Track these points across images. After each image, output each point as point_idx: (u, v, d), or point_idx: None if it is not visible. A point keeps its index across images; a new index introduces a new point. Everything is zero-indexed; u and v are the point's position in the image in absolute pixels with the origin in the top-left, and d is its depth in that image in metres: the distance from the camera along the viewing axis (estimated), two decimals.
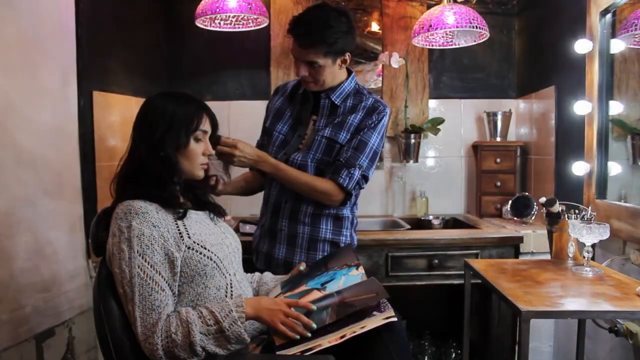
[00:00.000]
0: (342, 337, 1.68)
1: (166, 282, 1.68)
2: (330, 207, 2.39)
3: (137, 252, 1.65)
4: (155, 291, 1.65)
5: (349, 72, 2.46)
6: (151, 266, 1.66)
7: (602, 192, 2.70)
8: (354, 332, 1.68)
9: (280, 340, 1.72)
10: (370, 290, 1.81)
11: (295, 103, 2.52)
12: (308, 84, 2.39)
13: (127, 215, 1.69)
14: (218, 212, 2.00)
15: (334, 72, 2.36)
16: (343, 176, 2.30)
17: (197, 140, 1.86)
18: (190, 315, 1.64)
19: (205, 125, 1.88)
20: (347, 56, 2.35)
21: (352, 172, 2.31)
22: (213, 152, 1.95)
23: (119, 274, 1.67)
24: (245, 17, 3.38)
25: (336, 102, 2.40)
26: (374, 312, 1.76)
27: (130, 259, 1.65)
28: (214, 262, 1.78)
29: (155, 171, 1.78)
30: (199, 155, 1.87)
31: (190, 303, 1.74)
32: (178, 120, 1.80)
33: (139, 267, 1.64)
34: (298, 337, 1.70)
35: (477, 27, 3.14)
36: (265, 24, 3.40)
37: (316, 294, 1.87)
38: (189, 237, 1.75)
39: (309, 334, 1.70)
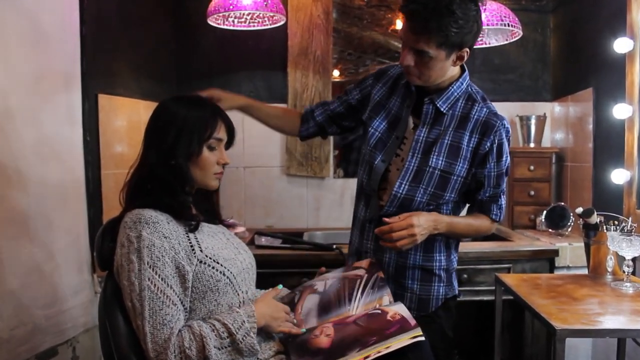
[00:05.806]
0: (365, 357, 1.69)
1: (177, 296, 1.69)
2: None
3: (148, 264, 1.66)
4: (167, 305, 1.66)
5: (462, 70, 2.20)
6: (162, 279, 1.67)
7: None
8: (379, 352, 1.69)
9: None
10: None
11: (395, 96, 2.30)
12: (411, 76, 2.13)
13: (136, 224, 1.70)
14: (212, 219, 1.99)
15: (444, 68, 2.09)
16: (494, 211, 2.25)
17: (211, 148, 1.86)
18: (204, 329, 1.66)
19: (220, 133, 1.87)
20: (465, 52, 2.06)
21: (500, 203, 2.26)
22: (229, 161, 1.92)
23: (128, 286, 1.68)
24: (261, 15, 3.40)
25: (442, 109, 2.16)
26: None
27: (140, 271, 1.66)
28: (227, 277, 1.79)
29: (166, 180, 1.79)
30: (212, 164, 1.87)
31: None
32: (190, 127, 1.81)
33: (149, 279, 1.65)
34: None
35: (509, 25, 3.15)
36: (282, 22, 3.42)
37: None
38: (201, 251, 1.76)
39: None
